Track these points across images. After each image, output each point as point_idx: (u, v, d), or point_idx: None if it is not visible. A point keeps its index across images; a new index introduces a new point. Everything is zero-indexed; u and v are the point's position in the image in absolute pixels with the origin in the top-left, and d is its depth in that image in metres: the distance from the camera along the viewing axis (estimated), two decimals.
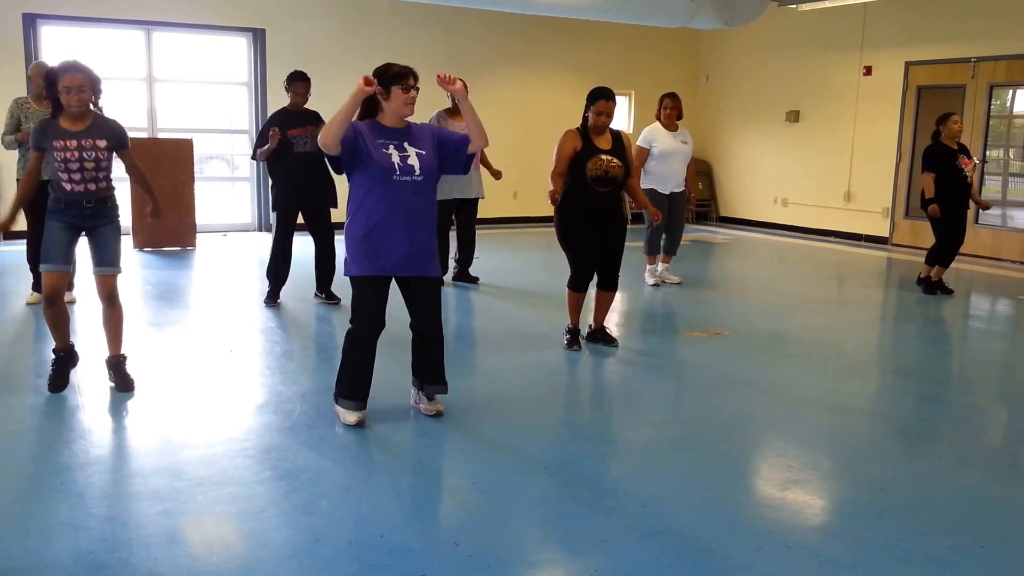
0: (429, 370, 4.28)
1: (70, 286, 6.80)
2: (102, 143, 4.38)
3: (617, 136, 5.51)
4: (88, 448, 3.86)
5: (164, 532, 3.06)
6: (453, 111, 7.62)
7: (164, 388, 4.71)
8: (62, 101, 4.30)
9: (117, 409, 4.40)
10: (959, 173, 7.60)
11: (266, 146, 6.40)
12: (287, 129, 6.45)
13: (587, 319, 5.92)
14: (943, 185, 7.61)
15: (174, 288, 7.70)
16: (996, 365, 5.96)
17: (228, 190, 11.89)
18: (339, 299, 6.84)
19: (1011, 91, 10.62)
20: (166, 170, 9.55)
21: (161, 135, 10.67)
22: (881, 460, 3.99)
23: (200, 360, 5.35)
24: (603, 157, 5.33)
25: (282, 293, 6.88)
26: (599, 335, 5.82)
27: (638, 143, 7.76)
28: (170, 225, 9.61)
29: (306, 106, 6.62)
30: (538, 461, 3.87)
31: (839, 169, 12.09)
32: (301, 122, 6.52)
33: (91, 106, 4.41)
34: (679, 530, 3.17)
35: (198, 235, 10.08)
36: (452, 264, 8.03)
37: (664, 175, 7.81)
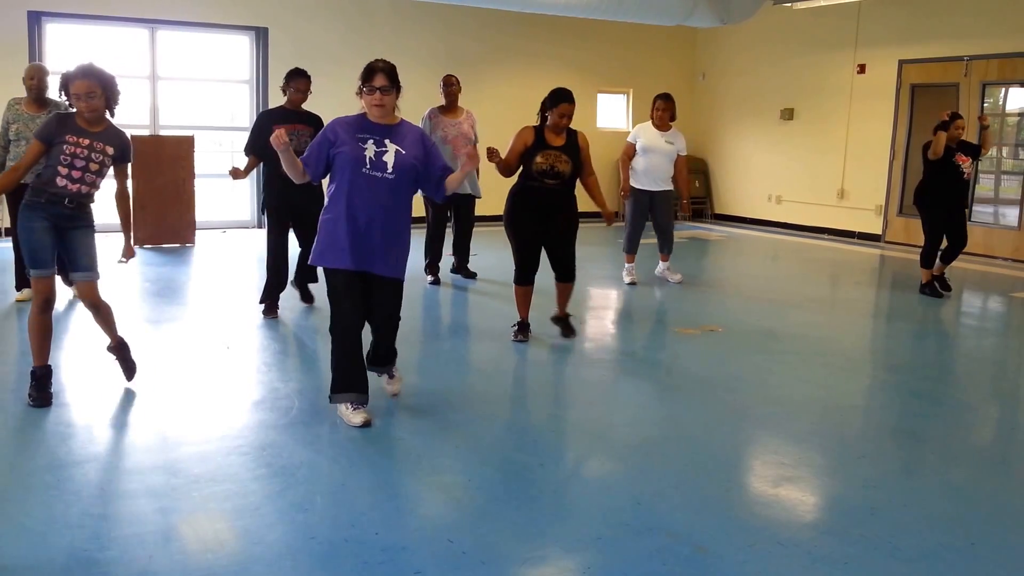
0: (383, 358, 4.42)
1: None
2: (110, 150, 4.43)
3: (572, 135, 5.69)
4: (82, 445, 3.87)
5: (159, 529, 3.07)
6: (446, 108, 7.60)
7: (160, 384, 4.71)
8: (74, 106, 4.31)
9: (111, 405, 4.40)
10: (956, 169, 7.59)
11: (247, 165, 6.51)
12: (278, 126, 6.35)
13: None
14: (939, 182, 7.59)
15: (173, 285, 7.69)
16: (988, 362, 5.99)
17: (228, 187, 11.86)
18: (313, 299, 6.68)
19: (1003, 89, 10.64)
20: (167, 167, 9.59)
21: (163, 132, 10.68)
22: (873, 457, 4.01)
23: (197, 356, 5.35)
24: (552, 152, 5.56)
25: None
26: (558, 322, 6.02)
27: (628, 139, 8.08)
28: (170, 221, 9.70)
29: (303, 105, 6.54)
30: (532, 458, 3.88)
31: (833, 167, 12.11)
32: (291, 119, 6.38)
33: (106, 115, 4.40)
34: (672, 527, 3.19)
35: (197, 232, 10.07)
36: (451, 259, 8.03)
37: (644, 171, 7.93)
